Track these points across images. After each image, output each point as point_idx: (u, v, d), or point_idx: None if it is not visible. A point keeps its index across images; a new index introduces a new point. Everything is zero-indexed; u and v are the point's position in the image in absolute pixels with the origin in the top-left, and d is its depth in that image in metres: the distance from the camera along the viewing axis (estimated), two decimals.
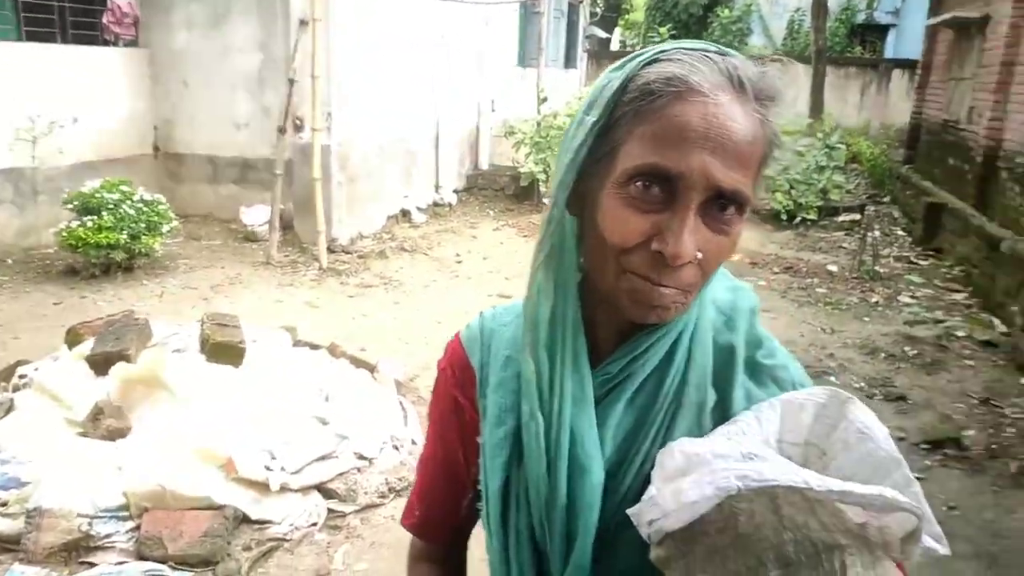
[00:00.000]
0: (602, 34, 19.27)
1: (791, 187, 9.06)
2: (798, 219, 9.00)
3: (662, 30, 19.23)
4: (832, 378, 4.75)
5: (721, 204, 0.71)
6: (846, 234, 8.80)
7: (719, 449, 0.70)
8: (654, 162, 0.70)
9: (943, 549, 0.70)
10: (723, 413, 0.80)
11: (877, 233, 7.65)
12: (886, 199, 10.93)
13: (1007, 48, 7.46)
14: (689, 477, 0.68)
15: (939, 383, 4.77)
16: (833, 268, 7.32)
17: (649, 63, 0.73)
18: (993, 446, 3.96)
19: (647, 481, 0.76)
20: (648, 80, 0.71)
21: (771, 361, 0.84)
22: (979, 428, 4.17)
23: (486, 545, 0.89)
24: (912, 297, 6.45)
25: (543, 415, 0.80)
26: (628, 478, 0.80)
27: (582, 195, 0.77)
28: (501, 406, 0.86)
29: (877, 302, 6.37)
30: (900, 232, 9.00)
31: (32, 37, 6.70)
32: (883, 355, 5.18)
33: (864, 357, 5.16)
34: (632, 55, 0.76)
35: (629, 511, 0.73)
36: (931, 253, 7.91)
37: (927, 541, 0.69)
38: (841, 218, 9.42)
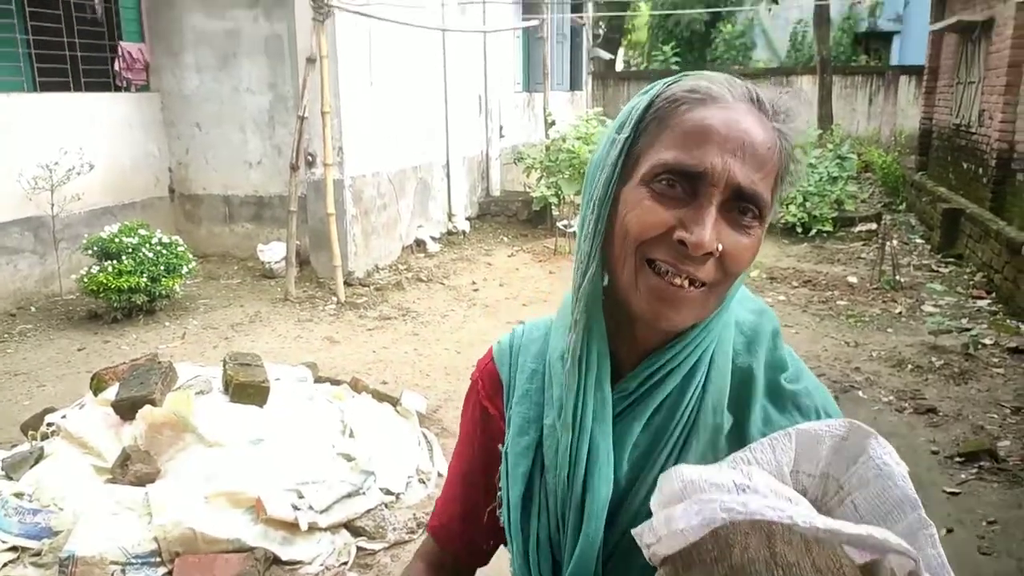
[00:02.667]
0: (606, 55, 19.39)
1: (804, 199, 9.02)
2: (813, 231, 8.95)
3: (665, 49, 19.36)
4: (859, 392, 4.69)
5: (741, 207, 0.75)
6: (864, 244, 8.74)
7: (714, 478, 0.71)
8: (679, 160, 0.74)
9: None
10: (739, 437, 0.81)
11: (895, 242, 7.59)
12: (902, 207, 10.86)
13: (1013, 50, 7.44)
14: (682, 504, 0.70)
15: (969, 393, 4.69)
16: (853, 280, 7.26)
17: (674, 82, 0.79)
18: None
19: None
20: (673, 92, 0.77)
21: (794, 386, 0.84)
22: (1014, 438, 4.09)
23: (510, 550, 0.92)
24: (935, 306, 6.38)
25: (565, 429, 0.83)
26: (641, 495, 0.82)
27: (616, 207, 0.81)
28: (525, 417, 0.89)
29: (900, 312, 6.30)
30: (918, 240, 8.92)
31: (46, 87, 6.82)
32: (910, 367, 5.11)
33: (891, 370, 5.09)
34: (660, 80, 0.81)
35: (633, 531, 0.74)
36: (951, 260, 7.83)
37: None
38: (857, 228, 9.36)
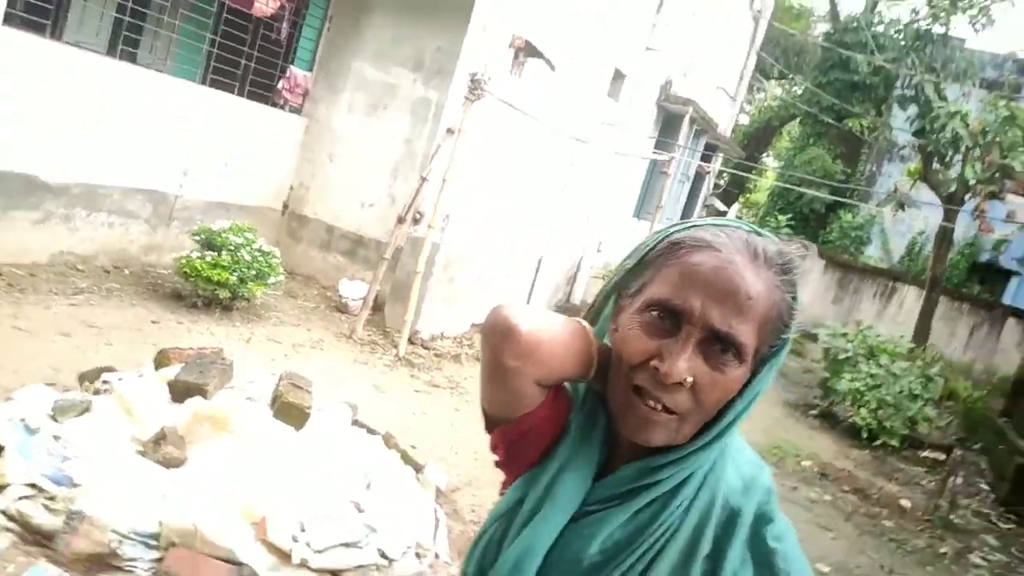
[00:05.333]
0: (721, 206, 19.68)
1: (878, 407, 8.76)
2: (879, 441, 8.64)
3: (781, 218, 19.42)
4: None
5: (722, 347, 0.83)
6: (927, 472, 8.37)
7: None
8: (667, 298, 0.85)
9: None
10: (714, 567, 0.86)
11: (959, 480, 7.25)
12: (976, 446, 10.36)
13: None
14: None
15: None
16: (906, 503, 6.93)
17: (684, 228, 0.89)
18: None
19: None
20: (678, 237, 0.88)
21: (774, 544, 0.88)
22: None
23: None
24: (984, 559, 6.01)
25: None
26: None
27: (616, 328, 0.91)
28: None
29: (945, 553, 5.96)
30: (984, 486, 8.45)
31: (214, 84, 7.44)
32: None
33: None
34: (672, 224, 0.92)
35: None
36: (1014, 517, 7.38)
37: None
38: (925, 453, 8.98)
